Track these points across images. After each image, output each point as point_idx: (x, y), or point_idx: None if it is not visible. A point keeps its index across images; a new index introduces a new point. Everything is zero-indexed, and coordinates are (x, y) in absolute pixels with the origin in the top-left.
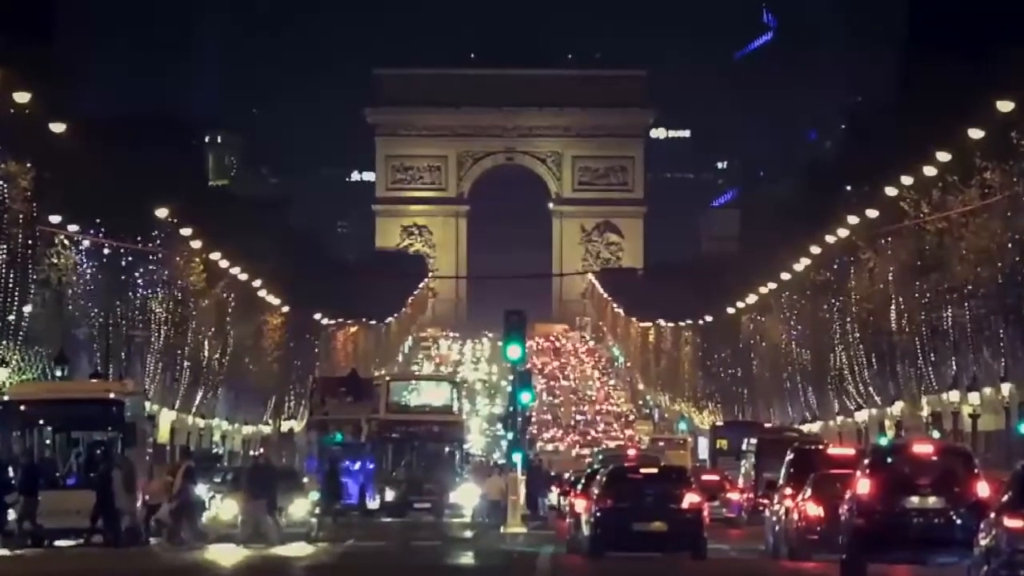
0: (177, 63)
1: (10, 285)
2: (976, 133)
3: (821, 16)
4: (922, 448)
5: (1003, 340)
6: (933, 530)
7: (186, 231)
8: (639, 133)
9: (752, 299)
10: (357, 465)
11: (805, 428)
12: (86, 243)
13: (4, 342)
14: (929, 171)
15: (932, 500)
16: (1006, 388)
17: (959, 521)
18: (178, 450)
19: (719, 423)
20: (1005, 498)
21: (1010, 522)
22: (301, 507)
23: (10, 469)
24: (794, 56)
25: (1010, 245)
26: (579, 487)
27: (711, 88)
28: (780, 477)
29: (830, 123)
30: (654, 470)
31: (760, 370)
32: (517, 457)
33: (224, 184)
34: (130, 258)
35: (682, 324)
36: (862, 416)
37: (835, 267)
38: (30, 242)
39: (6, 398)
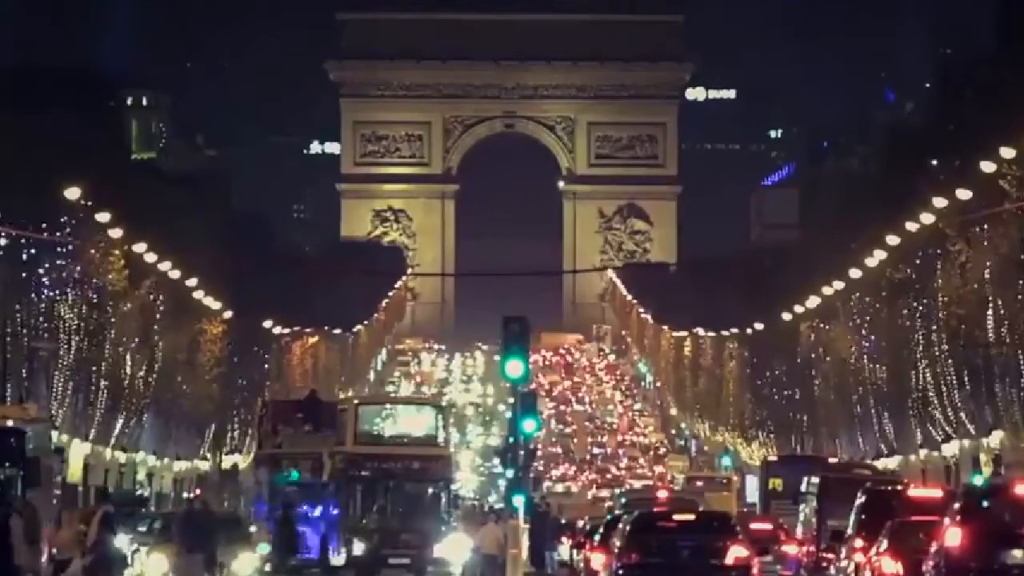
0: (92, 5)
1: None
2: None
3: None
4: None
5: None
6: None
7: (103, 216)
8: (673, 93)
9: (814, 302)
10: (318, 510)
11: (880, 464)
12: None
13: None
14: None
15: None
16: None
17: None
18: (93, 492)
19: (772, 458)
20: None
21: None
22: (247, 563)
23: None
24: None
25: None
26: (596, 538)
27: (762, 38)
28: (849, 525)
29: (912, 81)
30: (691, 517)
31: (824, 391)
32: (519, 500)
33: (150, 157)
34: (32, 251)
35: (726, 334)
36: (951, 449)
37: (918, 262)
38: None
39: None
